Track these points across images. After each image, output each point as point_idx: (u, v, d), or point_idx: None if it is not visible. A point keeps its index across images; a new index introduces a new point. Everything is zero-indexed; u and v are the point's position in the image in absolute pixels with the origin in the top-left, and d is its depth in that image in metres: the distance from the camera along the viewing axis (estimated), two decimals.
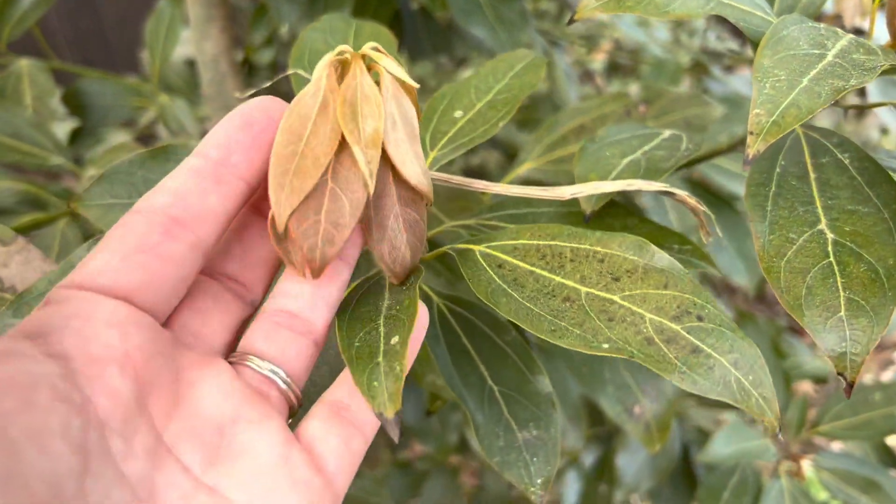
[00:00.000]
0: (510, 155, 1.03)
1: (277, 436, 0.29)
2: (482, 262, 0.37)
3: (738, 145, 0.50)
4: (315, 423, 0.31)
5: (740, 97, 0.95)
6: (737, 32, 1.38)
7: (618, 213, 0.45)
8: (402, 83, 0.34)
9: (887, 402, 0.83)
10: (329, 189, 0.31)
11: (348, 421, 0.32)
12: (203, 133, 0.72)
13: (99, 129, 0.90)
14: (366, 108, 0.31)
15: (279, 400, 0.31)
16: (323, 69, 0.32)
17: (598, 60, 1.61)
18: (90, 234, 0.61)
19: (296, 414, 0.32)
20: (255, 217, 0.34)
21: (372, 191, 0.30)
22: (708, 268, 0.42)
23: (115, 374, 0.25)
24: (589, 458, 0.97)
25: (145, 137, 1.07)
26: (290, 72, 0.47)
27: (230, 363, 0.31)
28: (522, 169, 0.63)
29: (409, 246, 0.35)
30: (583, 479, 0.96)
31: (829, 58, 0.35)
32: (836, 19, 0.94)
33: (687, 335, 0.31)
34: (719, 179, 0.82)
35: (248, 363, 0.31)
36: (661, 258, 0.34)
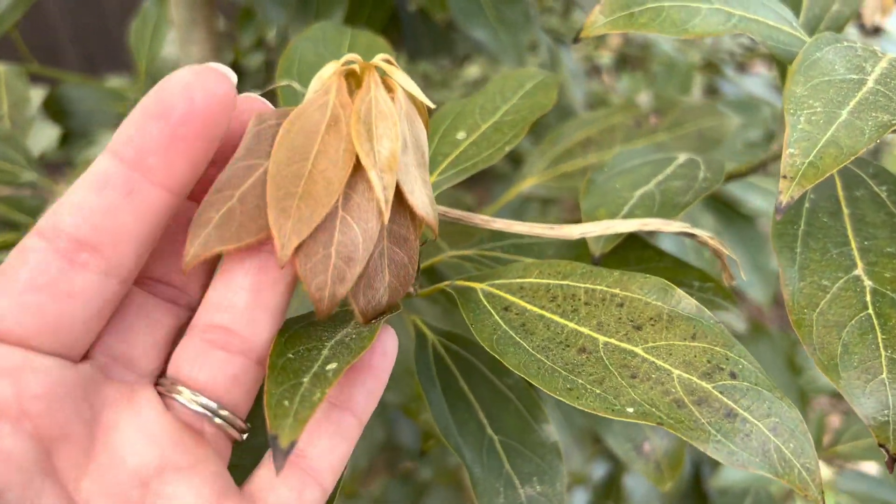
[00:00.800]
0: (514, 160, 0.98)
1: (210, 486, 0.25)
2: (486, 303, 0.33)
3: (758, 167, 0.46)
4: (264, 470, 0.27)
5: (754, 100, 0.91)
6: None
7: (632, 244, 0.41)
8: (416, 101, 0.30)
9: None
10: (340, 218, 0.27)
11: (303, 469, 0.28)
12: None
13: (89, 131, 0.87)
14: (381, 126, 0.27)
15: (216, 436, 0.27)
16: (331, 80, 0.28)
17: (606, 56, 1.57)
18: None
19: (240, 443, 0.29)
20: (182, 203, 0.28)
21: (387, 220, 0.26)
22: (731, 308, 0.38)
23: (6, 434, 0.22)
24: (598, 471, 0.93)
25: None
26: (280, 84, 0.43)
27: (160, 392, 0.27)
28: (526, 185, 0.59)
29: (388, 291, 0.31)
30: (591, 494, 0.92)
31: (870, 84, 0.31)
32: (856, 16, 0.89)
33: (720, 396, 0.27)
34: (732, 189, 0.78)
35: (176, 397, 0.27)
36: (688, 304, 0.30)
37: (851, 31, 1.04)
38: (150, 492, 0.24)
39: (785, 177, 0.27)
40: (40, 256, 0.23)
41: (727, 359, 0.28)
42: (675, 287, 0.31)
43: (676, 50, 1.09)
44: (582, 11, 1.17)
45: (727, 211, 0.75)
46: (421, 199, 0.29)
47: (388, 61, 0.29)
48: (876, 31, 0.94)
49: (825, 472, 0.82)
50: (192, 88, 0.23)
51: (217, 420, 0.27)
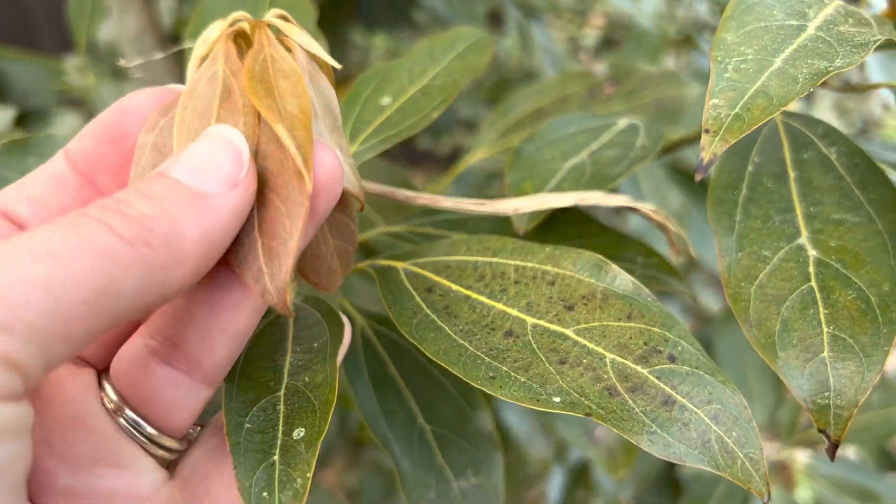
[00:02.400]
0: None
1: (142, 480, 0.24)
2: (407, 284, 0.31)
3: None
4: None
5: None
6: None
7: (572, 217, 0.38)
8: (319, 61, 0.27)
9: (886, 404, 0.77)
10: (256, 196, 0.23)
11: None
12: None
13: (47, 112, 0.83)
14: (284, 84, 0.24)
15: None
16: (214, 44, 0.25)
17: (592, 36, 1.53)
18: None
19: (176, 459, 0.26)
20: None
21: (310, 184, 0.22)
22: (676, 285, 0.35)
23: None
24: (574, 454, 0.91)
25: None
26: (187, 45, 0.40)
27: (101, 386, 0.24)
28: (475, 158, 0.56)
29: (336, 253, 0.28)
30: (567, 477, 0.90)
31: (810, 30, 0.28)
32: None
33: (657, 381, 0.25)
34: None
35: (109, 405, 0.24)
36: (624, 281, 0.28)
37: None
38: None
39: (707, 131, 0.24)
40: None
41: (666, 340, 0.26)
42: (610, 262, 0.28)
43: (655, 26, 1.05)
44: None
45: (695, 186, 0.72)
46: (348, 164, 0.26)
47: (283, 17, 0.26)
48: None
49: (801, 456, 0.80)
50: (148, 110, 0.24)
51: (144, 440, 0.24)
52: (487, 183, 0.76)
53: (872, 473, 0.78)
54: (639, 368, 0.25)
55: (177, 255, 0.20)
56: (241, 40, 0.26)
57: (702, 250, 0.75)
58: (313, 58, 0.26)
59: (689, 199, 0.72)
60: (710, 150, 0.24)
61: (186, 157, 0.22)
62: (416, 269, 0.31)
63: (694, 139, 0.43)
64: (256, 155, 0.24)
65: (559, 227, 0.37)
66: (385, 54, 1.24)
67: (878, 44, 0.26)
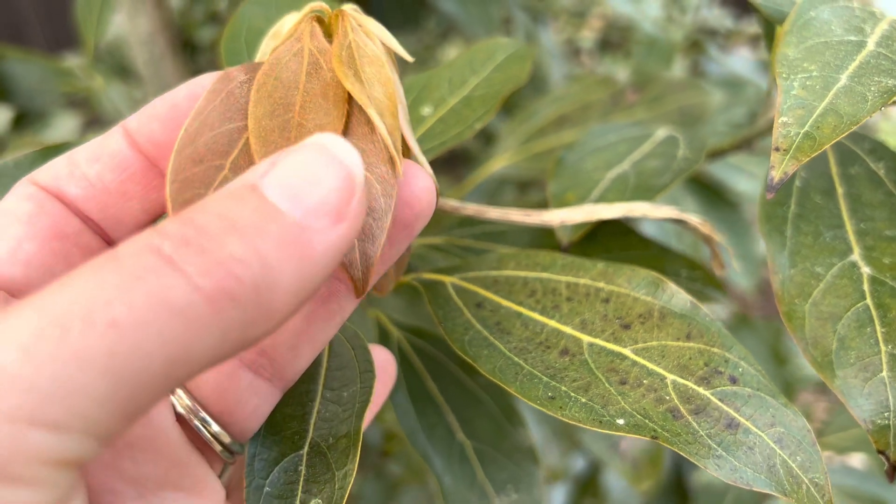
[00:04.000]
0: (489, 139, 0.95)
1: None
2: (456, 299, 0.30)
3: (742, 144, 0.42)
4: None
5: (739, 79, 0.87)
6: (737, 6, 1.29)
7: (614, 231, 0.37)
8: (394, 54, 0.26)
9: None
10: None
11: None
12: None
13: (47, 113, 0.82)
14: (369, 69, 0.23)
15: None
16: (301, 25, 0.24)
17: (590, 38, 1.53)
18: None
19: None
20: None
21: (401, 168, 0.22)
22: (721, 298, 0.35)
23: None
24: (579, 465, 0.91)
25: (96, 121, 0.99)
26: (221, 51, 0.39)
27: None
28: (497, 164, 0.55)
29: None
30: (573, 487, 0.90)
31: (871, 46, 0.27)
32: None
33: (720, 403, 0.24)
34: (716, 171, 0.74)
35: (192, 417, 0.23)
36: (681, 299, 0.27)
37: None
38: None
39: (777, 149, 0.24)
40: (54, 206, 0.22)
41: (726, 361, 0.26)
42: (667, 280, 0.28)
43: (660, 29, 1.05)
44: None
45: (710, 195, 0.72)
46: (419, 153, 0.25)
47: (356, 10, 0.25)
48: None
49: None
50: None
51: (220, 450, 0.24)
52: (499, 189, 0.76)
53: (883, 482, 0.78)
54: (701, 390, 0.25)
55: (266, 311, 0.16)
56: (322, 27, 0.25)
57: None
58: (389, 50, 0.26)
59: (704, 207, 0.71)
60: (781, 168, 0.23)
61: (284, 171, 0.18)
62: (464, 284, 0.30)
63: (726, 149, 0.43)
64: (346, 132, 0.23)
65: (602, 240, 0.37)
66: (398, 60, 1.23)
67: None
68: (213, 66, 0.78)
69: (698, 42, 0.95)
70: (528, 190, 0.91)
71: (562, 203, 0.35)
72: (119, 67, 0.92)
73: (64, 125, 0.96)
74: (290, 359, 0.23)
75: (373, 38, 0.25)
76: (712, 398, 0.25)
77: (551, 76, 0.96)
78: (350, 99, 0.23)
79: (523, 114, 0.56)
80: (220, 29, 0.79)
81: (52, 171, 0.23)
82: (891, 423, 0.26)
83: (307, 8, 0.25)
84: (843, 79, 0.25)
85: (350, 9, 0.25)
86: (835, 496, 0.80)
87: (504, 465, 0.35)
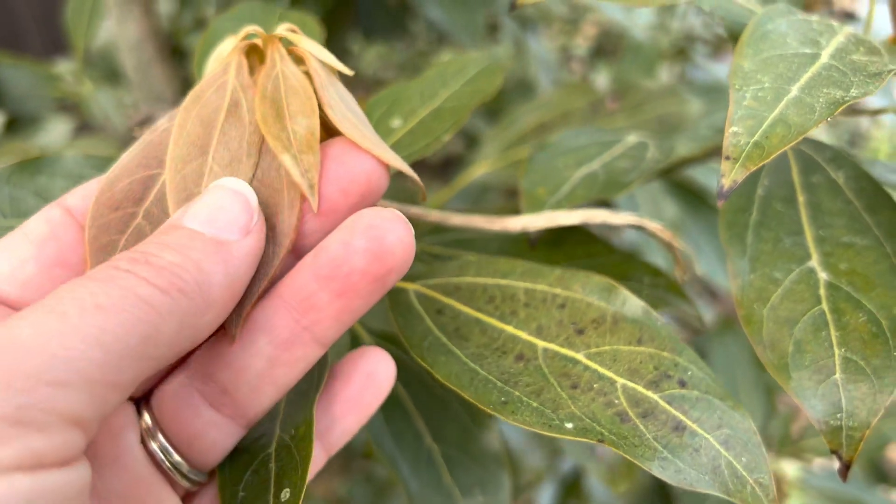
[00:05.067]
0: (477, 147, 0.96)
1: None
2: (418, 306, 0.31)
3: (715, 151, 0.43)
4: None
5: (723, 85, 0.88)
6: None
7: (578, 237, 0.38)
8: (334, 70, 0.27)
9: None
10: None
11: None
12: (128, 123, 0.65)
13: (39, 118, 0.83)
14: (294, 102, 0.24)
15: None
16: (228, 56, 0.25)
17: (584, 46, 1.54)
18: None
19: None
20: None
21: (317, 206, 0.23)
22: (684, 306, 0.35)
23: None
24: (566, 465, 0.91)
25: (91, 125, 1.00)
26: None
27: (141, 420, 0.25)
28: (478, 171, 0.56)
29: None
30: (559, 488, 0.90)
31: (824, 59, 0.28)
32: (826, 4, 0.87)
33: (668, 406, 0.25)
34: (697, 176, 0.75)
35: (152, 443, 0.24)
36: (634, 305, 0.28)
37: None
38: None
39: (728, 157, 0.25)
40: (67, 233, 0.24)
41: (676, 365, 0.26)
42: (619, 286, 0.29)
43: (649, 38, 1.06)
44: None
45: (692, 199, 0.72)
46: (391, 155, 0.26)
47: (293, 30, 0.26)
48: (848, 16, 0.91)
49: (792, 468, 0.81)
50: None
51: (178, 478, 0.25)
52: (482, 196, 0.77)
53: (863, 485, 0.79)
54: (650, 394, 0.26)
55: (207, 300, 0.21)
56: (255, 54, 0.26)
57: (697, 262, 0.76)
58: (328, 67, 0.27)
59: (684, 210, 0.72)
60: (730, 176, 0.24)
61: (198, 209, 0.22)
62: (426, 291, 0.31)
63: (699, 157, 0.44)
64: (254, 178, 0.24)
65: (566, 247, 0.37)
66: (378, 61, 1.24)
67: (892, 74, 0.27)
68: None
69: (684, 50, 0.96)
70: (514, 196, 0.92)
71: (533, 198, 0.36)
72: (111, 72, 0.93)
73: (55, 130, 0.96)
74: (252, 399, 0.24)
75: (308, 59, 0.25)
76: (660, 401, 0.25)
77: (539, 83, 0.96)
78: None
79: (505, 121, 0.57)
80: None
81: (83, 192, 0.24)
82: (843, 423, 0.27)
83: (242, 33, 0.25)
84: (794, 90, 0.26)
85: (285, 30, 0.26)
86: (817, 499, 0.80)
87: (471, 469, 0.36)
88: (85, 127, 1.05)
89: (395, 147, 0.37)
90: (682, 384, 0.26)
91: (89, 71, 0.83)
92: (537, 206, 0.35)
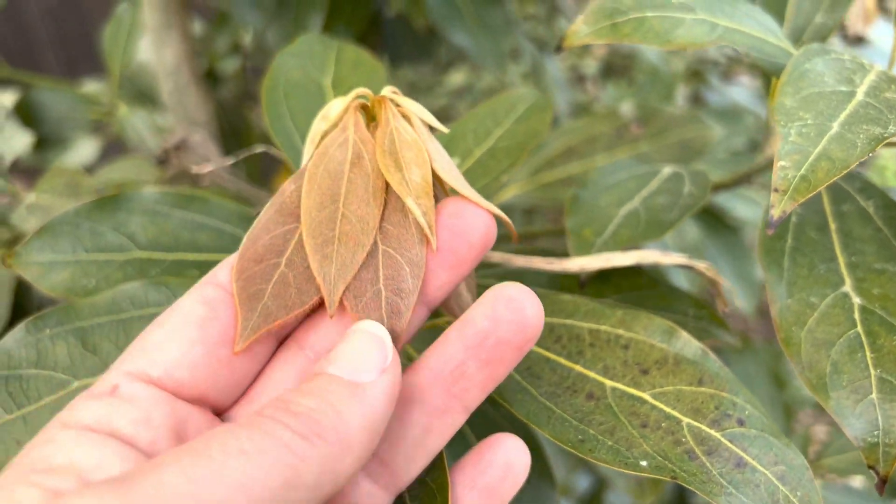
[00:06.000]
0: None
1: None
2: None
3: (742, 179, 0.45)
4: None
5: (738, 108, 0.90)
6: None
7: (625, 271, 0.39)
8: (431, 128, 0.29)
9: None
10: (382, 252, 0.26)
11: None
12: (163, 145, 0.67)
13: (64, 137, 0.85)
14: (408, 154, 0.27)
15: None
16: (346, 115, 0.28)
17: (592, 65, 1.56)
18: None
19: None
20: None
21: (436, 245, 0.26)
22: (727, 337, 0.37)
23: None
24: (583, 484, 0.92)
25: (116, 144, 1.02)
26: (257, 148, 0.41)
27: None
28: (509, 193, 0.58)
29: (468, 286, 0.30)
30: (577, 502, 0.91)
31: (860, 96, 0.30)
32: (839, 27, 0.89)
33: (730, 444, 0.27)
34: (717, 198, 0.77)
35: None
36: (692, 346, 0.29)
37: (833, 40, 1.04)
38: None
39: (777, 190, 0.26)
40: (227, 310, 0.25)
41: (734, 405, 0.28)
42: (679, 329, 0.30)
43: (661, 59, 1.08)
44: (566, 19, 1.16)
45: (712, 220, 0.74)
46: (494, 207, 0.28)
47: (395, 92, 0.29)
48: (859, 40, 0.93)
49: None
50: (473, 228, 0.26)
51: None
52: (508, 216, 0.78)
53: (879, 502, 0.80)
54: (713, 432, 0.27)
55: (346, 444, 0.21)
56: (364, 111, 0.29)
57: None
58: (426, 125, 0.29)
59: (705, 232, 0.74)
60: (780, 207, 0.26)
61: (338, 356, 0.23)
62: None
63: (728, 185, 0.46)
64: (382, 219, 0.26)
65: (614, 280, 0.39)
66: (390, 79, 1.26)
67: None
68: (235, 95, 0.81)
69: (699, 72, 0.98)
70: (533, 216, 0.94)
71: (580, 238, 0.37)
72: (139, 92, 0.95)
73: (84, 149, 0.98)
74: (407, 468, 0.26)
75: (410, 117, 0.28)
76: (723, 440, 0.27)
77: (558, 105, 0.98)
78: (388, 186, 0.27)
79: None
80: (242, 59, 0.82)
81: (229, 266, 0.26)
82: (880, 440, 0.29)
83: (352, 95, 0.28)
84: (835, 126, 0.28)
85: (389, 92, 0.28)
86: None
87: (524, 490, 0.37)
88: (113, 146, 1.08)
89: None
90: (741, 423, 0.27)
91: (120, 91, 0.85)
92: (585, 247, 0.37)
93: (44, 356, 0.30)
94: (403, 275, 0.25)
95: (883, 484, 0.29)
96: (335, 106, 0.28)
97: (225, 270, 0.26)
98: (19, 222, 0.51)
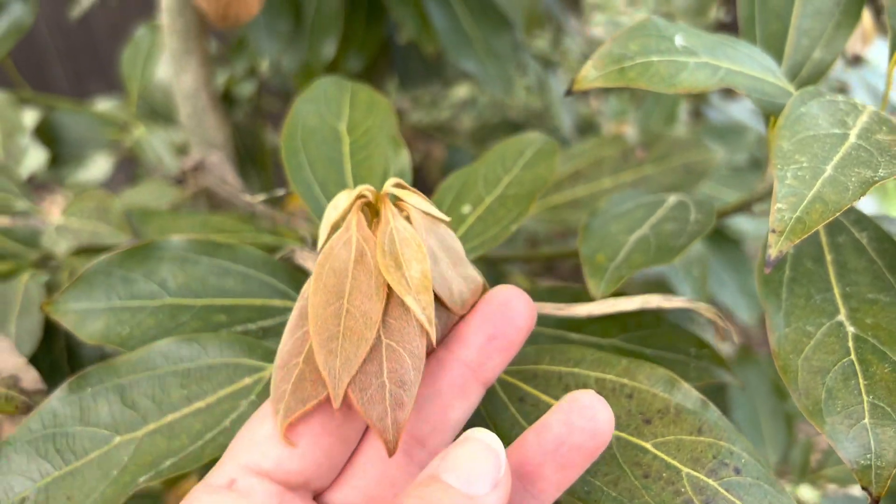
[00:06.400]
0: None
1: None
2: (502, 394, 0.33)
3: (742, 207, 0.47)
4: None
5: (739, 125, 0.92)
6: None
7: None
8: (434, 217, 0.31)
9: None
10: (385, 346, 0.28)
11: None
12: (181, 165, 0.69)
13: (80, 155, 0.87)
14: (407, 251, 0.28)
15: None
16: (350, 214, 0.30)
17: None
18: (57, 288, 0.57)
19: None
20: None
21: (435, 339, 0.27)
22: (727, 377, 0.39)
23: None
24: None
25: (128, 161, 1.04)
26: (278, 192, 0.43)
27: None
28: None
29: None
30: None
31: (852, 139, 0.32)
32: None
33: (727, 493, 0.28)
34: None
35: None
36: (691, 396, 0.31)
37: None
38: None
39: (774, 231, 0.28)
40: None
41: (731, 454, 0.29)
42: (680, 379, 0.31)
43: None
44: (570, 39, 1.19)
45: (715, 235, 0.76)
46: (461, 297, 0.30)
47: (399, 185, 0.31)
48: (857, 60, 0.95)
49: (812, 495, 0.83)
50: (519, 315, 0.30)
51: None
52: (514, 238, 0.80)
53: None
54: (710, 481, 0.28)
55: None
56: (367, 207, 0.31)
57: (719, 294, 0.80)
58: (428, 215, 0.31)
59: (709, 248, 0.76)
60: (777, 247, 0.28)
61: (453, 462, 0.25)
62: (508, 378, 0.34)
63: (731, 211, 0.48)
64: (385, 313, 0.28)
65: (620, 318, 0.40)
66: (394, 94, 1.28)
67: None
68: (250, 117, 0.83)
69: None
70: (537, 243, 0.96)
71: (593, 263, 0.39)
72: (153, 111, 0.97)
73: (98, 166, 1.00)
74: None
75: (412, 214, 0.30)
76: (720, 489, 0.28)
77: (563, 122, 1.01)
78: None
79: None
80: (258, 83, 0.84)
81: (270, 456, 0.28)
82: (872, 463, 0.30)
83: (356, 192, 0.30)
84: (829, 169, 0.30)
85: (391, 186, 0.30)
86: None
87: None
88: (126, 161, 1.10)
89: (468, 235, 0.41)
90: (738, 471, 0.29)
91: (140, 111, 0.87)
92: (599, 272, 0.38)
93: (87, 413, 0.32)
94: (406, 367, 0.27)
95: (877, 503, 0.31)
96: (342, 199, 0.30)
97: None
98: (50, 245, 0.53)
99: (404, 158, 0.41)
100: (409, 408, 0.27)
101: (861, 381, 0.32)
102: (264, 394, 0.33)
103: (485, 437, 0.25)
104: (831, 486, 0.87)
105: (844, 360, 0.33)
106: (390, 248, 0.28)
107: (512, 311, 0.30)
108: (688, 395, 0.31)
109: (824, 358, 0.33)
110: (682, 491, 0.28)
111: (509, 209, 0.40)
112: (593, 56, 0.35)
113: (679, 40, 0.36)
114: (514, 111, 1.45)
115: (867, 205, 0.78)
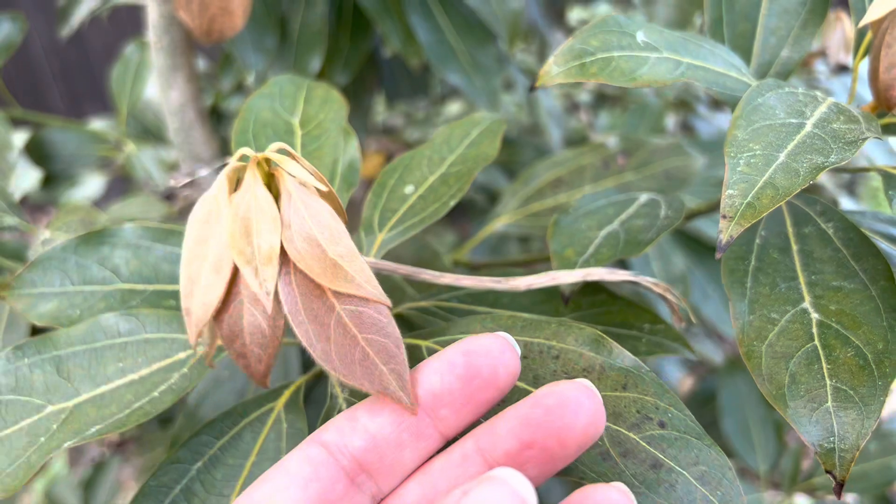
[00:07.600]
0: (494, 198, 1.00)
1: None
2: (427, 356, 0.33)
3: (718, 205, 0.47)
4: None
5: (724, 138, 0.93)
6: None
7: (585, 289, 0.41)
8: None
9: (883, 454, 0.81)
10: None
11: None
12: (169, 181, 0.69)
13: (73, 174, 0.88)
14: (262, 223, 0.28)
15: None
16: (222, 178, 0.30)
17: (585, 94, 1.59)
18: None
19: None
20: None
21: (270, 310, 0.28)
22: (681, 350, 0.39)
23: None
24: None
25: (121, 181, 1.05)
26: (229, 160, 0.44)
27: None
28: (499, 223, 0.60)
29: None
30: None
31: (808, 128, 0.33)
32: (821, 55, 0.92)
33: (647, 446, 0.28)
34: (702, 226, 0.80)
35: None
36: (621, 355, 0.31)
37: (821, 68, 1.07)
38: None
39: (724, 216, 0.29)
40: (329, 472, 0.26)
41: (657, 408, 0.29)
42: (608, 338, 0.31)
43: (651, 90, 1.11)
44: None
45: (698, 248, 0.77)
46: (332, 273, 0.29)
47: (283, 151, 0.30)
48: (842, 68, 0.96)
49: (803, 502, 0.83)
50: (494, 356, 0.27)
51: None
52: (501, 244, 0.81)
53: None
54: (631, 435, 0.28)
55: None
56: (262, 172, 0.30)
57: (703, 307, 0.80)
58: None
59: (692, 260, 0.76)
60: (727, 232, 0.28)
61: (475, 499, 0.23)
62: (437, 348, 0.33)
63: (705, 211, 0.48)
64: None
65: (574, 298, 0.40)
66: (387, 111, 1.30)
67: (865, 141, 0.31)
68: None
69: (686, 101, 1.01)
70: (529, 242, 0.97)
71: (562, 259, 0.39)
72: (143, 129, 0.98)
73: (91, 185, 1.01)
74: None
75: (282, 180, 0.29)
76: (640, 441, 0.28)
77: (552, 137, 1.01)
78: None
79: (524, 175, 0.61)
80: (245, 99, 0.85)
81: (337, 428, 0.27)
82: (836, 446, 0.31)
83: (237, 154, 0.29)
84: (782, 157, 0.31)
85: (273, 150, 0.29)
86: None
87: None
88: (118, 181, 1.11)
89: (409, 213, 0.41)
90: (662, 425, 0.28)
91: (130, 129, 0.88)
92: (568, 266, 0.38)
93: (21, 382, 0.32)
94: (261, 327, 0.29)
95: (840, 487, 0.31)
96: (229, 167, 0.30)
97: (331, 432, 0.27)
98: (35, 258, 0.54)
99: (353, 148, 0.41)
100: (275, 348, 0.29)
101: (825, 365, 0.32)
102: (197, 367, 0.34)
103: (512, 479, 0.23)
104: (830, 498, 0.87)
105: (808, 345, 0.33)
106: (244, 215, 0.28)
107: (489, 369, 0.28)
108: (614, 352, 0.31)
109: (788, 344, 0.33)
110: (599, 444, 0.28)
111: (450, 186, 0.40)
112: (555, 52, 0.36)
113: (641, 36, 0.37)
114: (506, 127, 1.47)
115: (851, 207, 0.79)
